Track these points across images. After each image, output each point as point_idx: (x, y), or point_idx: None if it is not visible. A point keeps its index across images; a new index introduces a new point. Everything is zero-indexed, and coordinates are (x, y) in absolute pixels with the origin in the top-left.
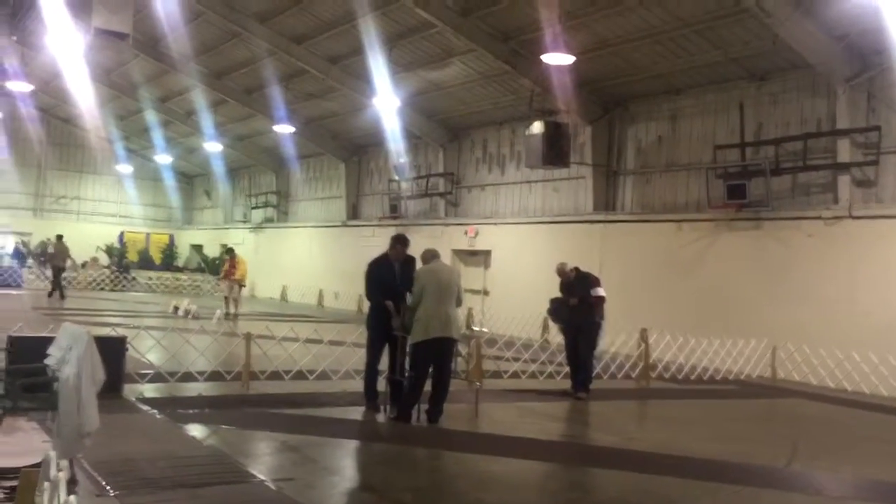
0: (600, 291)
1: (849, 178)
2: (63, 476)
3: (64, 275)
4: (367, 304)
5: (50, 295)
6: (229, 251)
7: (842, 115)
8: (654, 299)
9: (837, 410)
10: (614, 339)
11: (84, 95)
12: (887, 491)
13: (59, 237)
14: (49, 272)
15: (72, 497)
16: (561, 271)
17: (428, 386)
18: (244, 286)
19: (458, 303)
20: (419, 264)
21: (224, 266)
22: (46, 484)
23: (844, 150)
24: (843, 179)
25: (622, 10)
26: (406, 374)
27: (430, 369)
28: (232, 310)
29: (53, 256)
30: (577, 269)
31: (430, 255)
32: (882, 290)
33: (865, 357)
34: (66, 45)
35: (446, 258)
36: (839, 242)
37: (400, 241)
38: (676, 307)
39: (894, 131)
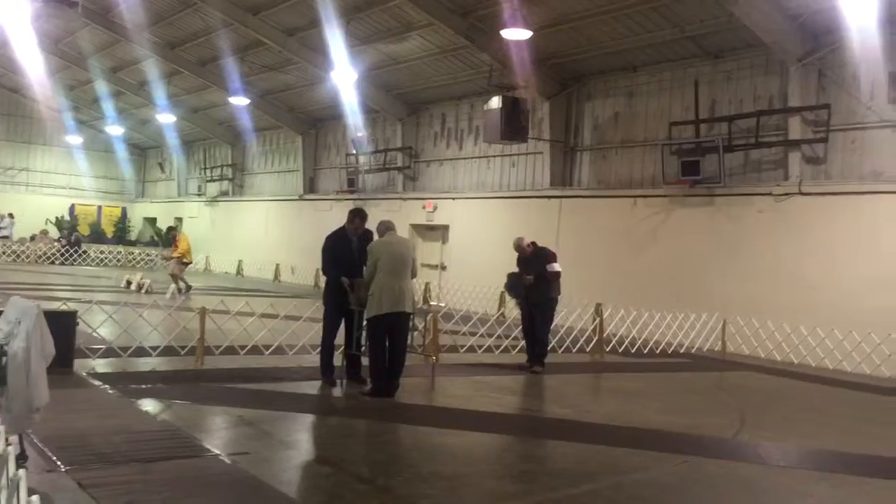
0: (556, 267)
1: (799, 155)
2: (12, 451)
3: (13, 248)
4: (324, 279)
5: None
6: (169, 230)
7: (793, 93)
8: (609, 274)
9: (784, 383)
10: (569, 314)
11: (32, 65)
12: (830, 460)
13: None
14: None
15: (20, 471)
16: (518, 246)
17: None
18: (188, 263)
19: (413, 274)
20: (376, 237)
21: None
22: None
23: (795, 128)
24: (793, 156)
25: None
26: (363, 350)
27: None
28: (181, 285)
29: None
30: (534, 243)
31: (385, 228)
32: (829, 266)
33: (812, 331)
34: (14, 12)
35: (404, 232)
36: (789, 218)
37: (358, 215)
38: (631, 282)
39: (843, 109)
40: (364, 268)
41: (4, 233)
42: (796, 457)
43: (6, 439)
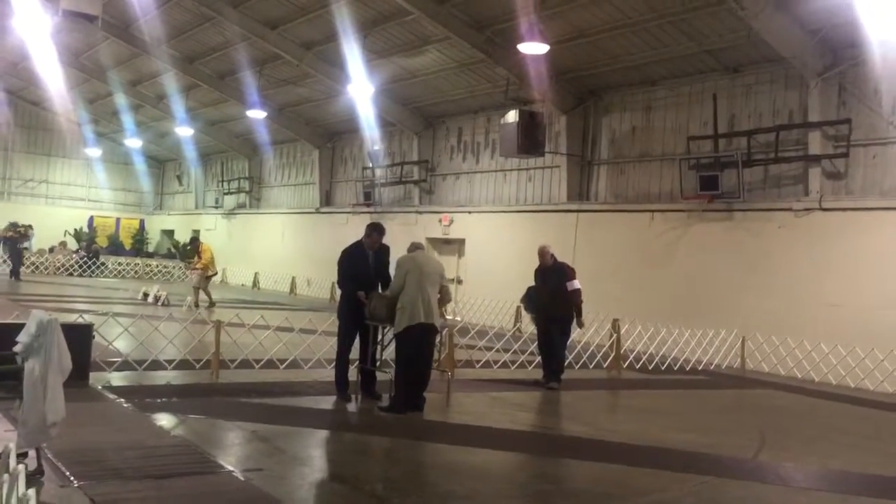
0: (576, 284)
1: (819, 170)
2: (22, 469)
3: (32, 259)
4: (339, 292)
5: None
6: (192, 240)
7: (813, 107)
8: (626, 289)
9: (805, 401)
10: (586, 329)
11: (53, 78)
12: (853, 481)
13: None
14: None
15: (30, 490)
16: (542, 253)
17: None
18: (214, 274)
19: (447, 298)
20: (395, 254)
21: (194, 257)
22: (6, 476)
23: (815, 143)
24: (813, 171)
25: (598, 0)
26: (378, 365)
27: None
28: (203, 298)
29: None
30: (553, 257)
31: (414, 248)
32: (850, 282)
33: (833, 348)
34: (35, 27)
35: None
36: (809, 234)
37: (376, 230)
38: (648, 297)
39: (864, 124)
40: (379, 282)
41: (24, 244)
42: (817, 478)
43: (17, 456)
